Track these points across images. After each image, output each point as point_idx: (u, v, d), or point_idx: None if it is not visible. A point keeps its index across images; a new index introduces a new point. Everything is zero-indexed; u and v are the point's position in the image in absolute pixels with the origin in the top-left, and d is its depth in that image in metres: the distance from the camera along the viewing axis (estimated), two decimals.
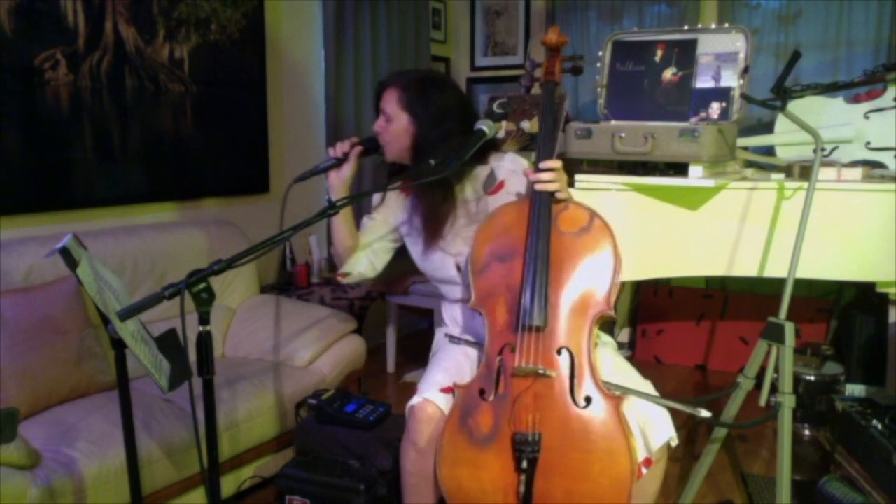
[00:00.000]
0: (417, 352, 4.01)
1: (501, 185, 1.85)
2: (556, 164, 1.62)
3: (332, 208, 1.56)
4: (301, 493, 2.10)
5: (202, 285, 1.34)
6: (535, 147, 3.30)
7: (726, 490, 2.53)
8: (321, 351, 2.71)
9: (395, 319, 3.83)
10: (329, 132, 3.65)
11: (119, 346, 1.43)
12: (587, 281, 1.59)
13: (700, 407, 1.64)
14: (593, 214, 1.62)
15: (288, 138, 3.52)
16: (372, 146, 1.87)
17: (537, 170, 1.62)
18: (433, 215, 1.82)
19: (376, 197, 1.99)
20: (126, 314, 1.30)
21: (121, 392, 1.49)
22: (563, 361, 1.54)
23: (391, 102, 1.82)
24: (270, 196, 3.42)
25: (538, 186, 1.61)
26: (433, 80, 1.87)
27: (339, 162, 1.85)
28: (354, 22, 3.68)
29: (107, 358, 2.22)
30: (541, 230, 1.58)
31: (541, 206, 1.60)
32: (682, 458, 2.69)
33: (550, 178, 1.60)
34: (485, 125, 1.77)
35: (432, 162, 1.73)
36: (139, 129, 2.77)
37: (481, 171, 1.87)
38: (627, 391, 1.61)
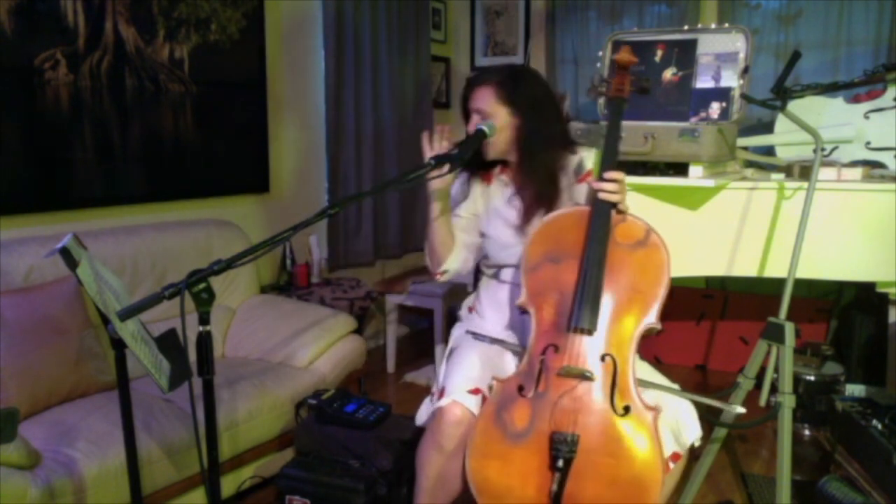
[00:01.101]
0: (417, 352, 4.01)
1: (589, 173, 1.88)
2: (620, 175, 1.64)
3: (331, 208, 1.56)
4: (301, 493, 2.10)
5: (202, 285, 1.34)
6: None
7: (726, 490, 2.53)
8: (321, 351, 2.71)
9: (395, 319, 3.83)
10: (329, 132, 3.65)
11: (119, 346, 1.43)
12: (638, 293, 1.61)
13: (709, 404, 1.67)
14: (650, 230, 1.65)
15: (288, 138, 3.52)
16: (460, 148, 1.79)
17: (601, 179, 1.64)
18: (543, 202, 1.83)
19: (457, 193, 1.98)
20: (126, 314, 1.30)
21: (121, 392, 1.49)
22: (606, 368, 1.56)
23: (487, 100, 1.82)
24: (270, 196, 3.42)
25: (601, 196, 1.63)
26: (524, 72, 1.91)
27: (434, 167, 1.78)
28: (354, 22, 3.68)
29: (107, 358, 2.22)
30: (599, 238, 1.61)
31: (601, 215, 1.62)
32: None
33: (614, 188, 1.62)
34: (485, 125, 1.79)
35: (432, 162, 1.74)
36: (139, 129, 2.77)
37: (572, 160, 1.90)
38: (659, 388, 1.65)
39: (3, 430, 1.23)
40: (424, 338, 4.20)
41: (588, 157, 1.90)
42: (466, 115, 1.89)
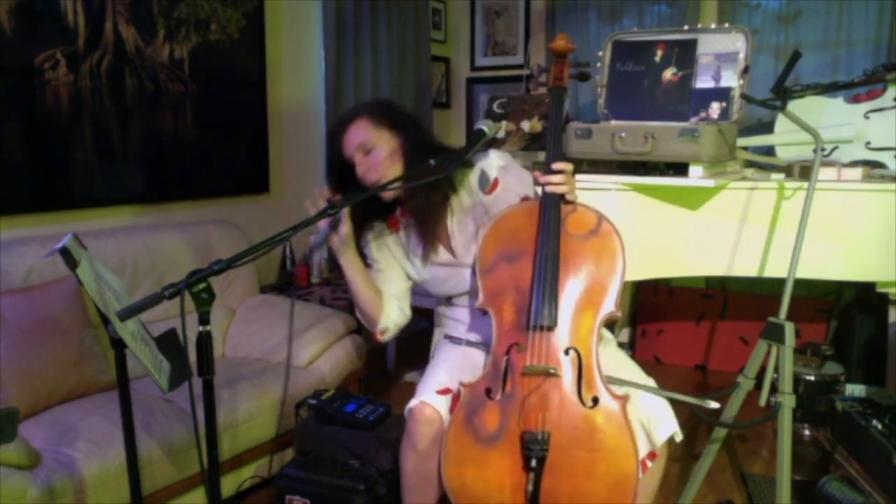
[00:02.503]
0: (417, 352, 4.00)
1: (496, 182, 1.84)
2: (567, 166, 1.63)
3: (331, 208, 1.56)
4: (301, 493, 2.10)
5: (202, 285, 1.34)
6: (537, 147, 3.30)
7: (726, 490, 2.53)
8: (321, 351, 2.70)
9: None
10: (329, 132, 3.65)
11: (119, 346, 1.43)
12: (595, 283, 1.61)
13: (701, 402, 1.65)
14: (601, 217, 1.65)
15: (288, 138, 3.52)
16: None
17: (547, 172, 1.63)
18: (429, 216, 1.78)
19: (370, 252, 1.91)
20: (126, 314, 1.30)
21: (121, 392, 1.49)
22: (570, 361, 1.56)
23: (365, 131, 1.74)
24: (270, 196, 3.42)
25: (549, 188, 1.62)
26: (385, 100, 1.90)
27: (334, 224, 1.73)
28: (354, 22, 3.68)
29: (107, 358, 2.22)
30: (551, 232, 1.60)
31: (550, 208, 1.61)
32: (682, 458, 2.68)
33: (560, 180, 1.61)
34: (485, 125, 1.77)
35: (433, 162, 1.73)
36: (139, 129, 2.77)
37: (470, 176, 1.84)
38: (629, 384, 1.63)
39: (3, 430, 1.23)
40: (424, 338, 4.19)
41: (489, 166, 1.83)
42: (340, 171, 1.78)
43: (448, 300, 1.95)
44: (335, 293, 3.26)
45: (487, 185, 1.84)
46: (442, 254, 1.86)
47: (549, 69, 1.82)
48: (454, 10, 4.76)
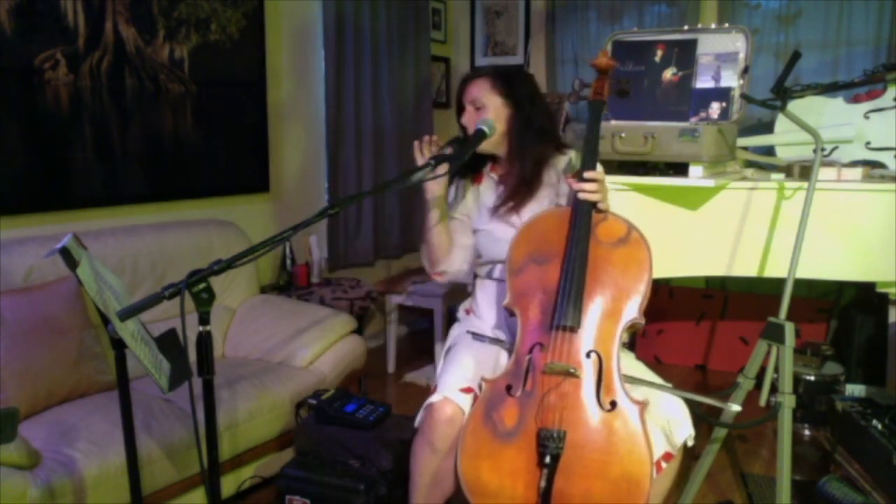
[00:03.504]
0: (417, 352, 4.01)
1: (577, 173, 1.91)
2: (600, 175, 1.66)
3: (331, 208, 1.56)
4: (301, 493, 2.10)
5: (202, 285, 1.34)
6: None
7: (726, 490, 2.53)
8: (321, 351, 2.70)
9: (395, 319, 3.83)
10: (329, 132, 3.65)
11: (119, 346, 1.43)
12: (621, 290, 1.64)
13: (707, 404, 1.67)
14: (631, 227, 1.68)
15: (288, 138, 3.52)
16: (460, 148, 1.83)
17: (581, 179, 1.66)
18: (528, 182, 1.89)
19: (451, 197, 2.01)
20: (126, 314, 1.30)
21: (121, 392, 1.49)
22: (591, 364, 1.58)
23: (482, 91, 1.87)
24: (270, 196, 3.42)
25: (581, 196, 1.65)
26: (517, 69, 2.03)
27: (434, 167, 1.79)
28: (355, 22, 3.68)
29: (107, 358, 2.22)
30: (580, 237, 1.63)
31: (582, 215, 1.65)
32: (682, 458, 2.68)
33: (593, 188, 1.65)
34: (485, 125, 1.80)
35: (432, 161, 1.74)
36: (139, 129, 2.77)
37: (561, 160, 1.95)
38: (654, 385, 1.66)
39: (3, 430, 1.23)
40: (424, 338, 4.20)
41: (577, 158, 1.94)
42: (459, 110, 1.94)
43: (489, 272, 1.96)
44: (335, 293, 3.26)
45: (570, 171, 1.91)
46: (512, 215, 1.92)
47: (590, 84, 1.86)
48: (454, 10, 4.76)
